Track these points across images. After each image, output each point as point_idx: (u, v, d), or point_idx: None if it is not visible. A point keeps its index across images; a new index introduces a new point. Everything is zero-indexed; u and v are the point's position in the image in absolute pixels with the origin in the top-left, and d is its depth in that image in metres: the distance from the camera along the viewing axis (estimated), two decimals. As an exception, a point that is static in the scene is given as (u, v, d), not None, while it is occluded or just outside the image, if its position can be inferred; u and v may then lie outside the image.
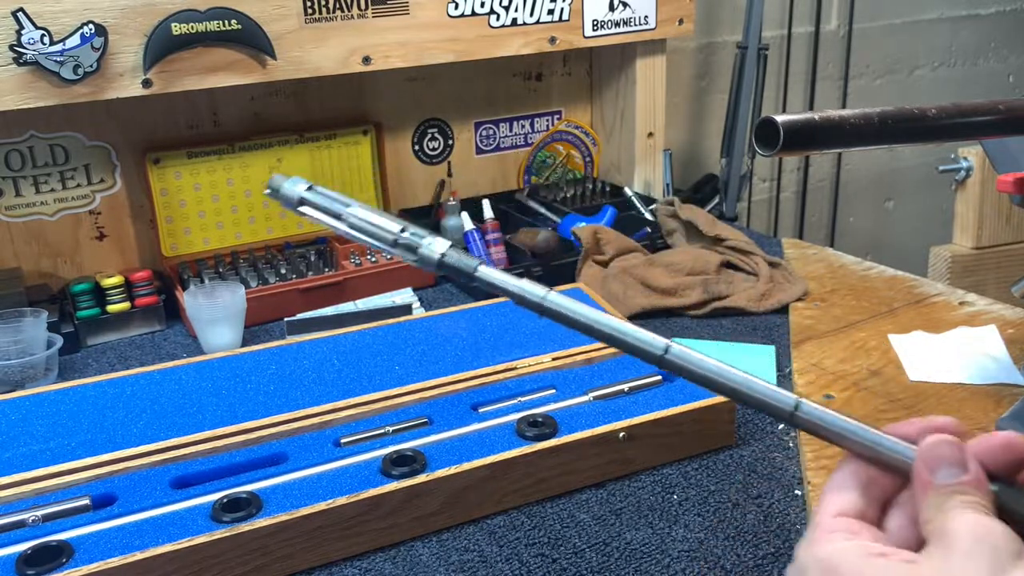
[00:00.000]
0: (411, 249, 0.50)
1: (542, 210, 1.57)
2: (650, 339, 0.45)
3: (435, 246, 0.50)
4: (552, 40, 1.46)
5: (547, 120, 1.70)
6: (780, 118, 0.54)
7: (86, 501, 0.76)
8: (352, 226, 0.51)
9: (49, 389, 0.91)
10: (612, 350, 1.00)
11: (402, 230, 0.50)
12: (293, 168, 1.42)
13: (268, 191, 0.52)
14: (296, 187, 0.51)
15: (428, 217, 1.53)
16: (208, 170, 1.36)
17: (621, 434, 0.83)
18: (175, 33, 1.16)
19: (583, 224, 1.39)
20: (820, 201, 2.41)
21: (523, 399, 0.92)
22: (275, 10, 1.22)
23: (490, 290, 0.49)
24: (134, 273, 1.25)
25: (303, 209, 0.51)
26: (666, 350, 0.45)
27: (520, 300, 0.49)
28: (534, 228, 1.42)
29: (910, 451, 0.41)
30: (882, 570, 0.37)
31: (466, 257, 0.50)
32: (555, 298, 0.48)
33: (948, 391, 0.98)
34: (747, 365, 1.01)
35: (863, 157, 2.43)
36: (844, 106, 2.31)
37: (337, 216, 0.50)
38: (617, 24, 1.52)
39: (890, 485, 0.42)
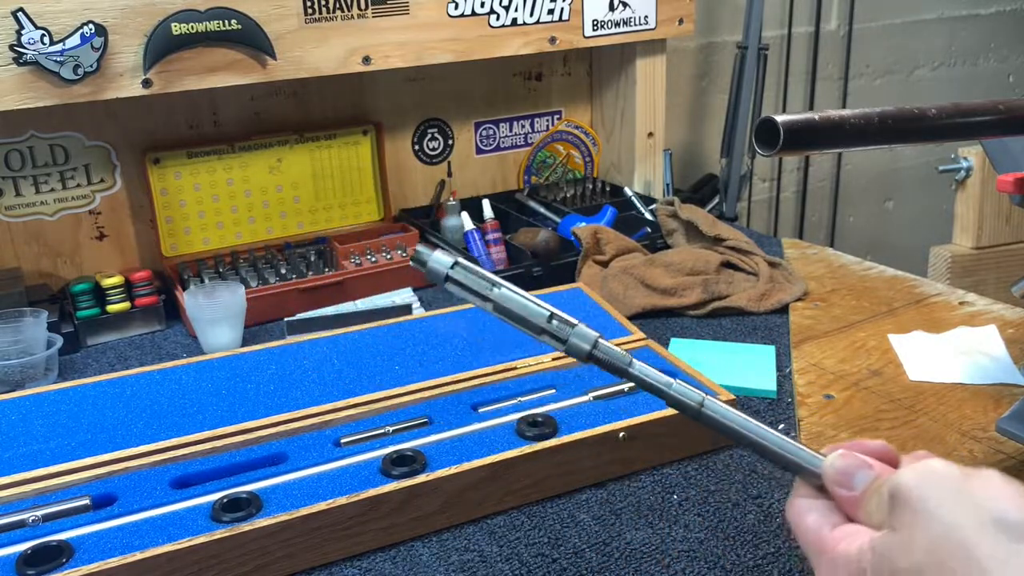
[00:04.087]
0: (559, 339, 0.51)
1: (542, 210, 1.57)
2: (809, 455, 0.46)
3: (585, 337, 0.51)
4: (552, 40, 1.46)
5: (547, 120, 1.70)
6: (780, 118, 0.54)
7: (86, 501, 0.76)
8: (497, 308, 0.52)
9: (49, 389, 0.91)
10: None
11: (550, 318, 0.51)
12: (293, 168, 1.42)
13: (412, 263, 0.53)
14: (442, 263, 0.52)
15: (428, 217, 1.53)
16: (208, 170, 1.36)
17: (621, 434, 0.83)
18: (175, 33, 1.16)
19: (583, 224, 1.39)
20: (820, 201, 2.41)
21: (523, 399, 0.91)
22: (275, 10, 1.22)
23: (641, 386, 0.50)
24: (134, 273, 1.25)
25: (448, 285, 0.52)
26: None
27: (673, 402, 0.50)
28: (534, 228, 1.42)
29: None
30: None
31: (616, 351, 0.51)
32: (712, 404, 0.49)
33: (948, 391, 0.98)
34: (747, 365, 1.02)
35: (863, 157, 2.44)
36: (844, 106, 2.31)
37: (483, 297, 0.52)
38: (617, 24, 1.52)
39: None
